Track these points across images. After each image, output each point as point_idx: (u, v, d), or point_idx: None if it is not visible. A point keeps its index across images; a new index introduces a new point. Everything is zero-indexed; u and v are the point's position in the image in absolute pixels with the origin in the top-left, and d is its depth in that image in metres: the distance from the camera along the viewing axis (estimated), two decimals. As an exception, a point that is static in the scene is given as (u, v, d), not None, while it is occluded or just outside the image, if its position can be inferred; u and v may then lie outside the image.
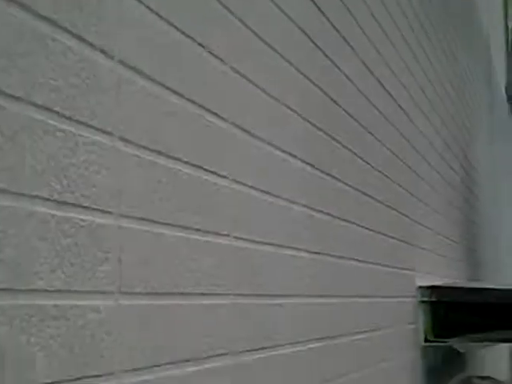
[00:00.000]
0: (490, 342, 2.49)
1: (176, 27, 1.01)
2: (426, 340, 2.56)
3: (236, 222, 1.17)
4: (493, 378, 3.49)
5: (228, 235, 1.14)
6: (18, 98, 0.70)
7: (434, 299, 2.51)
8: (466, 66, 4.35)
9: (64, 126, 0.77)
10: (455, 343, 2.51)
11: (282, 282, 1.35)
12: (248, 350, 1.20)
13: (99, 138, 0.83)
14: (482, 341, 2.49)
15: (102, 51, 0.84)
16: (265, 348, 1.27)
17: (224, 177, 1.14)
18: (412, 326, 2.48)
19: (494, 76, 6.27)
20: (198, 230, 1.05)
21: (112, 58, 0.85)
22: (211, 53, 1.12)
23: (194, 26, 1.06)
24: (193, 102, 1.05)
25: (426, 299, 2.52)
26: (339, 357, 1.70)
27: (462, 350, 2.56)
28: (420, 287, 2.51)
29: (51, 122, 0.75)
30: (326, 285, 1.61)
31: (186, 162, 1.02)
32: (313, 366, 1.53)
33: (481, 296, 2.48)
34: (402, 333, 2.36)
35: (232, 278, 1.15)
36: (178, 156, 1.00)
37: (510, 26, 5.45)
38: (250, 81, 1.24)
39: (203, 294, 1.07)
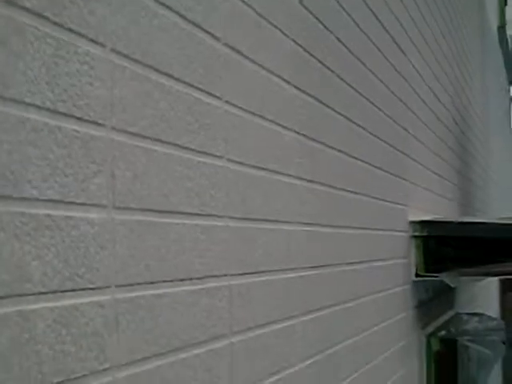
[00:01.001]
0: (480, 276, 2.52)
1: None
2: (417, 274, 2.59)
3: (229, 144, 1.16)
4: (482, 314, 3.54)
5: (221, 157, 1.14)
6: (8, 1, 0.68)
7: (425, 234, 2.53)
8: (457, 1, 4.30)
9: (56, 34, 0.76)
10: (446, 278, 2.54)
11: (274, 207, 1.35)
12: (242, 274, 1.21)
13: (91, 48, 0.82)
14: (472, 275, 2.52)
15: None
16: (257, 272, 1.28)
17: (217, 97, 1.12)
18: (404, 261, 2.50)
19: (484, 9, 6.21)
20: (191, 149, 1.04)
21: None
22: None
23: None
24: (186, 19, 1.03)
25: (417, 234, 2.54)
26: (332, 286, 1.72)
27: (452, 285, 2.59)
28: (412, 222, 2.53)
29: (42, 28, 0.73)
30: (318, 213, 1.61)
31: (178, 79, 1.01)
32: (308, 293, 1.54)
33: (471, 230, 2.49)
34: (394, 267, 2.38)
35: (225, 200, 1.15)
36: (170, 72, 0.99)
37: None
38: (244, 2, 1.22)
39: (197, 214, 1.07)
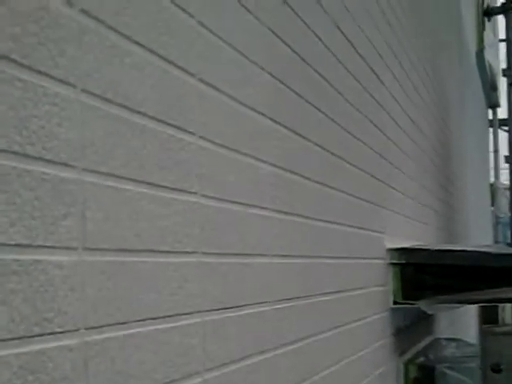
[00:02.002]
0: (457, 303, 2.52)
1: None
2: (395, 302, 2.58)
3: (203, 180, 1.16)
4: (460, 340, 3.54)
5: (195, 193, 1.13)
6: (-27, 45, 0.68)
7: (402, 261, 2.53)
8: (437, 28, 4.35)
9: (24, 76, 0.75)
10: (423, 305, 2.54)
11: (249, 241, 1.34)
12: (215, 309, 1.20)
13: (62, 89, 0.81)
14: (449, 302, 2.52)
15: (63, -1, 0.81)
16: (232, 307, 1.27)
17: (191, 133, 1.12)
18: (381, 288, 2.50)
19: (464, 32, 6.29)
20: (163, 186, 1.04)
21: (71, 5, 0.83)
22: (179, 6, 1.09)
23: (160, -22, 1.03)
24: (159, 55, 1.03)
25: (395, 261, 2.54)
26: (308, 317, 1.71)
27: (429, 312, 2.59)
28: (389, 249, 2.53)
29: (9, 71, 0.73)
30: (295, 245, 1.61)
31: (152, 117, 1.00)
32: (281, 327, 1.53)
33: (448, 258, 2.50)
34: (372, 295, 2.38)
35: (199, 236, 1.14)
36: (142, 110, 0.98)
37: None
38: (217, 36, 1.22)
39: (169, 252, 1.06)
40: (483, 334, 3.11)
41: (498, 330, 3.01)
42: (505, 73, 4.81)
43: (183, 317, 1.08)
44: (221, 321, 1.22)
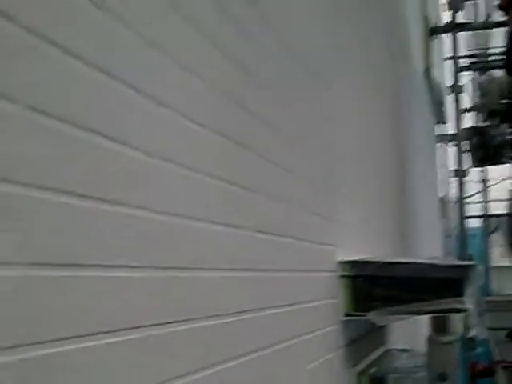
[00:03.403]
0: (406, 314, 2.56)
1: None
2: (346, 314, 2.61)
3: (148, 194, 1.16)
4: (412, 350, 3.59)
5: (140, 207, 1.14)
6: None
7: (353, 273, 2.56)
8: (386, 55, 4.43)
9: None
10: (373, 317, 2.57)
11: (195, 254, 1.35)
12: (159, 324, 1.20)
13: (2, 103, 0.81)
14: (398, 314, 2.56)
15: (2, 13, 0.81)
16: (178, 321, 1.27)
17: (134, 147, 1.13)
18: (333, 301, 2.53)
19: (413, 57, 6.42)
20: (106, 200, 1.04)
21: (11, 20, 0.83)
22: (120, 20, 1.10)
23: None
24: (101, 70, 1.03)
25: (346, 274, 2.57)
26: (259, 331, 1.72)
27: (379, 323, 2.63)
28: (341, 262, 2.56)
29: None
30: (244, 259, 1.62)
31: (93, 131, 1.01)
32: (232, 340, 1.54)
33: (398, 270, 2.54)
34: (323, 307, 2.40)
35: (146, 250, 1.14)
36: (84, 124, 0.98)
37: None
38: (161, 50, 1.23)
39: (117, 266, 1.06)
40: (429, 344, 3.16)
41: (443, 339, 3.07)
42: (450, 90, 4.94)
43: (130, 331, 1.08)
44: (166, 335, 1.22)
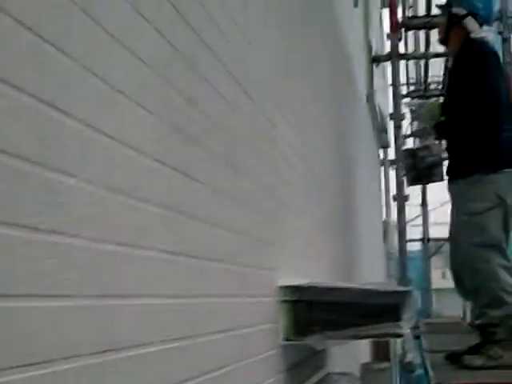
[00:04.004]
0: (343, 339, 2.59)
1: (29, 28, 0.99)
2: (286, 338, 2.62)
3: (84, 222, 1.16)
4: (351, 374, 3.63)
5: (76, 235, 1.13)
6: None
7: (294, 298, 2.58)
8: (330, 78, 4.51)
9: None
10: (313, 341, 2.60)
11: (132, 282, 1.35)
12: (96, 353, 1.19)
13: None
14: (337, 338, 2.59)
15: None
16: (116, 350, 1.26)
17: (71, 175, 1.12)
18: (273, 325, 2.54)
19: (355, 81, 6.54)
20: (42, 229, 1.03)
21: None
22: (60, 49, 1.10)
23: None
24: (37, 98, 1.03)
25: (286, 298, 2.59)
26: (196, 358, 1.72)
27: (318, 348, 2.65)
28: (280, 287, 2.58)
29: None
30: (181, 285, 1.62)
31: (30, 160, 1.00)
32: (170, 368, 1.53)
33: (336, 295, 2.57)
34: (263, 332, 2.41)
35: (80, 279, 1.14)
36: (21, 153, 0.98)
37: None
38: (101, 78, 1.24)
39: (48, 296, 1.05)
40: (363, 371, 3.21)
41: (375, 366, 3.11)
42: (391, 116, 5.08)
43: (61, 361, 1.07)
44: (102, 365, 1.21)
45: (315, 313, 2.59)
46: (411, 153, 3.87)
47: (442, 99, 3.95)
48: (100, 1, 1.26)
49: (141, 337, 1.37)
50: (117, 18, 1.32)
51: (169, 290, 1.54)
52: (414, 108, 3.70)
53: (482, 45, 3.79)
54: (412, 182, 3.92)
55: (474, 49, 3.74)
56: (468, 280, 3.66)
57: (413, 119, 3.81)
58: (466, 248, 3.64)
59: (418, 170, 3.83)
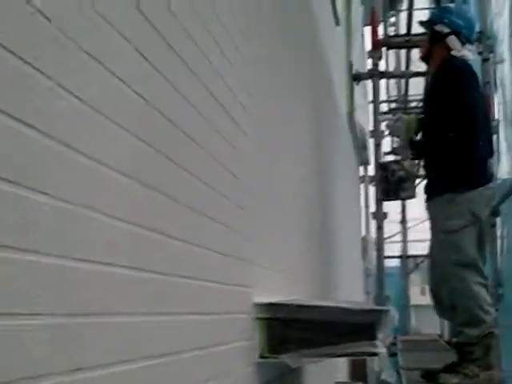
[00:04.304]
0: (318, 357, 2.60)
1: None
2: (261, 356, 2.62)
3: (57, 240, 1.16)
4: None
5: (48, 254, 1.13)
6: None
7: (269, 316, 2.58)
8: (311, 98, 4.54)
9: None
10: (288, 359, 2.60)
11: (104, 300, 1.34)
12: (70, 370, 1.19)
13: None
14: (312, 356, 2.59)
15: None
16: (88, 368, 1.26)
17: (46, 194, 1.12)
18: (248, 343, 2.54)
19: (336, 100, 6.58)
20: (15, 248, 1.03)
21: None
22: (35, 68, 1.11)
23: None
24: (12, 116, 1.03)
25: (261, 316, 2.59)
26: (170, 376, 1.71)
27: (293, 366, 2.65)
28: (256, 304, 2.58)
29: None
30: (155, 303, 1.62)
31: (3, 179, 1.00)
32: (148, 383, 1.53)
33: (312, 313, 2.58)
34: (238, 349, 2.41)
35: (49, 297, 1.14)
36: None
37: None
38: (77, 97, 1.24)
39: (19, 314, 1.05)
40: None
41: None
42: (372, 134, 5.12)
43: (28, 381, 1.07)
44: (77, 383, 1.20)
45: (291, 330, 2.60)
46: (384, 166, 3.91)
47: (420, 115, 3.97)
48: (78, 20, 1.26)
49: (111, 355, 1.37)
50: (96, 38, 1.33)
51: (139, 308, 1.54)
52: (389, 122, 3.71)
53: (461, 63, 3.84)
54: (382, 195, 3.96)
55: (452, 66, 3.78)
56: (445, 298, 3.68)
57: (389, 134, 3.83)
58: (442, 266, 3.66)
59: (388, 183, 3.87)
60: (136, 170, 1.51)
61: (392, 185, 3.77)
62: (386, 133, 4.72)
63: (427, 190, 3.92)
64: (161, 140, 1.66)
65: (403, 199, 4.42)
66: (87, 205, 1.27)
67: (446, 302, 3.68)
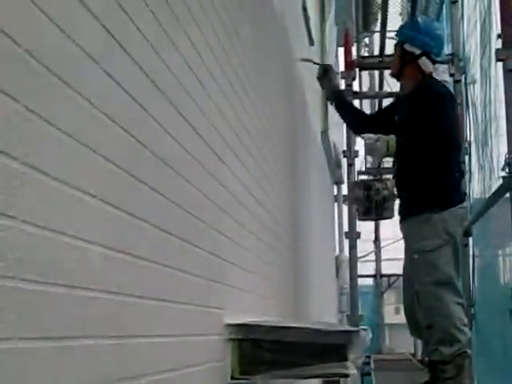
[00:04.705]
0: (290, 378, 2.59)
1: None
2: (232, 377, 2.61)
3: (23, 264, 1.15)
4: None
5: (13, 277, 1.12)
6: None
7: (240, 337, 2.58)
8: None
9: None
10: (260, 380, 2.59)
11: (73, 323, 1.33)
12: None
13: None
14: (283, 378, 2.58)
15: None
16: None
17: (11, 217, 1.12)
18: (219, 364, 2.52)
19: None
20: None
21: None
22: (5, 93, 1.10)
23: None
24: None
25: (233, 337, 2.58)
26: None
27: (264, 387, 2.64)
28: (228, 325, 2.57)
29: None
30: (126, 325, 1.61)
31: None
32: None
33: (283, 334, 2.57)
34: (209, 371, 2.40)
35: (15, 321, 1.12)
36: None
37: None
38: (46, 120, 1.24)
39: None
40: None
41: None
42: (345, 154, 5.16)
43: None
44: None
45: (262, 351, 2.59)
46: (367, 184, 3.86)
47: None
48: (51, 48, 1.26)
49: (84, 379, 1.35)
50: (65, 60, 1.32)
51: (112, 331, 1.53)
52: (369, 141, 3.71)
53: (442, 88, 3.87)
54: (364, 215, 3.89)
55: (433, 91, 3.79)
56: (421, 317, 3.69)
57: (368, 153, 3.80)
58: (419, 286, 3.68)
59: (372, 202, 3.83)
60: (108, 193, 1.50)
61: (375, 204, 3.76)
62: (362, 152, 4.74)
63: (401, 210, 3.95)
64: (131, 163, 1.65)
65: (384, 219, 4.37)
66: (56, 228, 1.26)
67: (422, 322, 3.69)
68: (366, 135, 3.86)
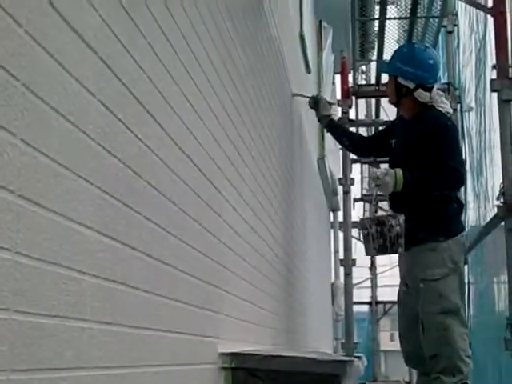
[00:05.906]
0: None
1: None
2: (226, 406, 2.60)
3: (17, 296, 1.16)
4: None
5: (7, 309, 1.13)
6: None
7: (234, 365, 2.57)
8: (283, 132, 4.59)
9: None
10: (253, 409, 2.58)
11: (66, 355, 1.33)
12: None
13: None
14: (277, 407, 2.57)
15: None
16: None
17: (6, 249, 1.12)
18: (213, 393, 2.52)
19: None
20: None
21: None
22: (0, 125, 1.12)
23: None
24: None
25: (226, 365, 2.57)
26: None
27: (257, 416, 2.63)
28: (221, 354, 2.56)
29: None
30: (118, 355, 1.61)
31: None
32: None
33: (277, 363, 2.57)
34: (203, 399, 2.39)
35: (9, 352, 1.13)
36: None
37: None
38: (39, 151, 1.25)
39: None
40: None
41: None
42: (340, 182, 5.16)
43: None
44: None
45: (256, 380, 2.58)
46: (380, 221, 3.80)
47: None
48: (43, 71, 1.28)
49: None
50: (59, 91, 1.34)
51: (107, 361, 1.53)
52: (380, 175, 3.67)
53: (448, 120, 3.83)
54: (378, 251, 3.82)
55: (439, 123, 3.74)
56: (426, 347, 3.64)
57: (376, 186, 3.77)
58: (424, 316, 3.64)
59: (387, 238, 3.76)
60: (101, 223, 1.51)
61: (390, 240, 3.73)
62: (372, 185, 4.70)
63: (405, 239, 3.89)
64: (124, 193, 1.67)
65: (397, 253, 4.32)
66: (51, 259, 1.27)
67: (426, 352, 3.65)
68: (374, 169, 3.87)
